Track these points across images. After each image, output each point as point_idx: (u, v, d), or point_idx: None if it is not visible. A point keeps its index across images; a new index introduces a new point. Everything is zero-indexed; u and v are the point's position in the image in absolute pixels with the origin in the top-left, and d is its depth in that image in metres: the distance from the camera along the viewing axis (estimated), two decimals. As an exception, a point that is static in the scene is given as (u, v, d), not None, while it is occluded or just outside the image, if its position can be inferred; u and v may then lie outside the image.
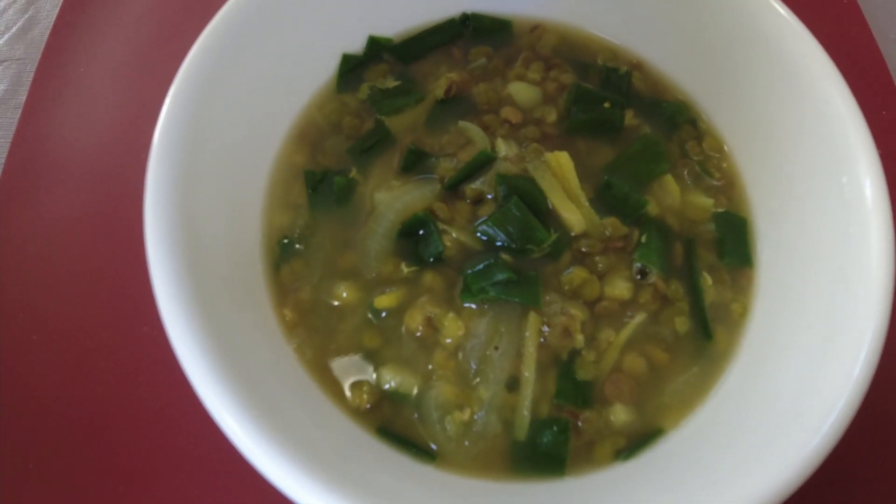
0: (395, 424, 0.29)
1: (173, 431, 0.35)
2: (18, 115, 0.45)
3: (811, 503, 0.31)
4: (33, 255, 0.40)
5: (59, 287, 0.39)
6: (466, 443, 0.29)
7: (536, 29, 0.39)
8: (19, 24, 0.50)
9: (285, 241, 0.33)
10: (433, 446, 0.29)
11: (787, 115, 0.32)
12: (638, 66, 0.39)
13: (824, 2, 0.53)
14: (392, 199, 0.33)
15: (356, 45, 0.38)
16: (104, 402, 0.36)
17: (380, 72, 0.38)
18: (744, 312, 0.33)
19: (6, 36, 0.50)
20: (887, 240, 0.27)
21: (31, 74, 0.47)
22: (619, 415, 0.30)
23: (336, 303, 0.32)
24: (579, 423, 0.30)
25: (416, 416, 0.29)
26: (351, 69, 0.37)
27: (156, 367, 0.37)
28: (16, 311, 0.38)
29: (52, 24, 0.49)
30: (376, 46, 0.38)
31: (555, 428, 0.29)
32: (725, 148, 0.36)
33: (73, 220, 0.41)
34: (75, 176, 0.43)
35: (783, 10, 0.32)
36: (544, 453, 0.29)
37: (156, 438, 0.35)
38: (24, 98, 0.46)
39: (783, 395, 0.28)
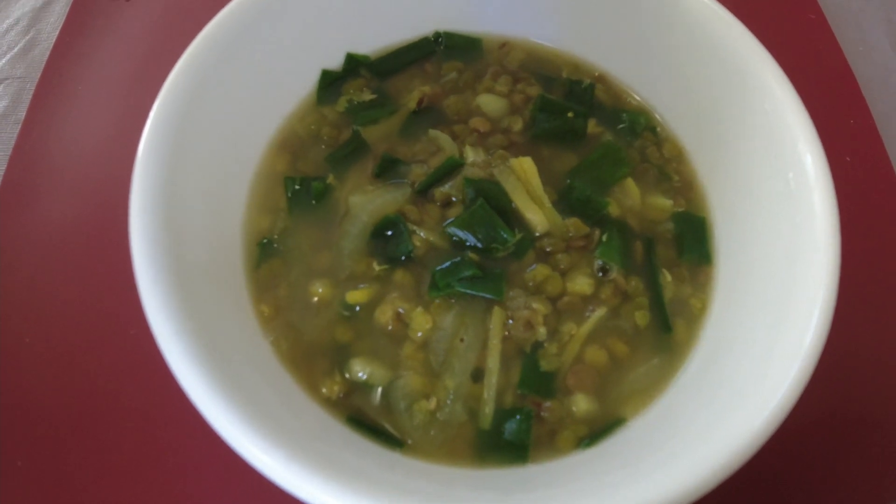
0: (365, 414, 0.32)
1: (159, 429, 0.38)
2: (17, 131, 0.50)
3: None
4: (29, 262, 0.44)
5: (52, 293, 0.43)
6: (433, 431, 0.32)
7: (504, 46, 0.44)
8: (21, 44, 0.55)
9: (264, 241, 0.36)
10: (401, 435, 0.32)
11: (737, 117, 0.36)
12: (600, 78, 0.43)
13: (794, 18, 0.58)
14: (365, 201, 0.37)
15: (335, 62, 0.42)
16: (92, 401, 0.39)
17: (357, 86, 0.42)
18: (703, 307, 0.36)
19: (8, 56, 0.55)
20: (832, 225, 0.30)
21: (31, 92, 0.51)
22: (581, 404, 0.33)
23: (311, 299, 0.35)
24: (542, 413, 0.32)
25: (384, 405, 0.32)
26: (330, 84, 0.42)
27: (142, 368, 0.40)
28: (10, 314, 0.42)
29: (52, 45, 0.54)
30: (354, 63, 0.42)
31: (518, 417, 0.32)
32: (683, 152, 0.40)
33: (66, 230, 0.45)
34: (70, 187, 0.47)
35: (729, 17, 0.36)
36: (508, 441, 0.32)
37: (142, 436, 0.37)
38: (23, 114, 0.50)
39: (737, 379, 0.30)
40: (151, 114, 0.33)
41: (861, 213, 0.46)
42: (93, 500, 0.36)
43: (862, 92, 0.54)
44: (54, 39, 0.54)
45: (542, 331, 0.33)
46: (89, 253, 0.44)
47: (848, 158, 0.53)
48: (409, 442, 0.31)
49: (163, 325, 0.28)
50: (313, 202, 0.37)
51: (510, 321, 0.34)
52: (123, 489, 0.37)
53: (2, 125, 0.51)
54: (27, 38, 0.56)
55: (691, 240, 0.37)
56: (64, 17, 0.56)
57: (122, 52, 0.54)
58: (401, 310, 0.34)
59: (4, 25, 0.57)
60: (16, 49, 0.55)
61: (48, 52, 0.53)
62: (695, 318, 0.36)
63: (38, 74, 0.52)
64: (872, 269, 0.44)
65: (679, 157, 0.40)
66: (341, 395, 0.32)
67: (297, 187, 0.38)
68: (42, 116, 0.50)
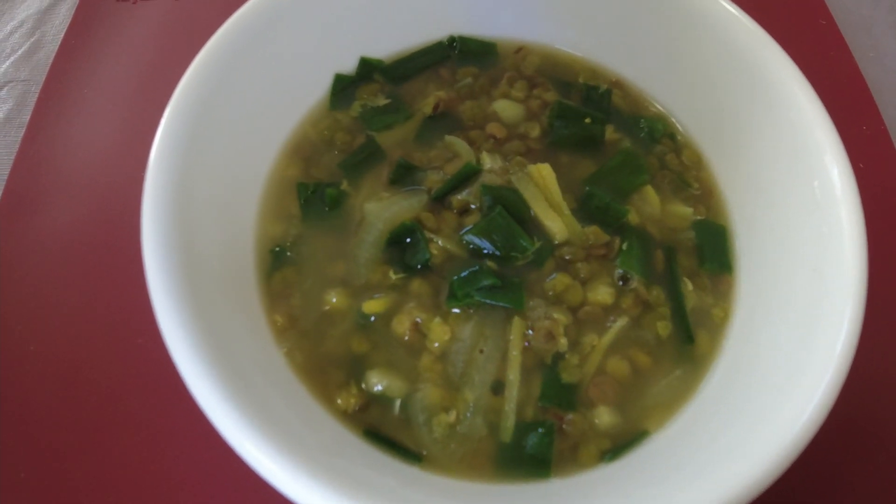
0: (382, 427, 0.31)
1: (166, 440, 0.37)
2: (22, 134, 0.49)
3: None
4: (33, 267, 0.43)
5: (57, 300, 0.42)
6: (452, 445, 0.31)
7: (520, 51, 0.43)
8: (25, 46, 0.54)
9: (277, 249, 0.36)
10: (419, 448, 0.31)
11: (760, 125, 0.35)
12: (617, 84, 0.42)
13: (804, 24, 0.58)
14: (381, 208, 0.36)
15: (348, 66, 0.42)
16: (98, 411, 0.38)
17: (371, 91, 0.41)
18: (725, 317, 0.35)
19: (13, 58, 0.54)
20: (859, 237, 0.30)
21: (36, 95, 0.50)
22: (604, 417, 0.32)
23: (326, 308, 0.34)
24: (564, 426, 0.32)
25: (402, 418, 0.31)
26: (343, 88, 0.41)
27: (150, 378, 0.39)
28: (15, 323, 0.41)
29: (58, 47, 0.53)
30: (368, 67, 0.42)
31: (540, 430, 0.31)
32: (703, 159, 0.40)
33: (72, 235, 0.44)
34: (76, 191, 0.46)
35: (753, 25, 0.35)
36: (530, 455, 0.31)
37: (149, 448, 0.36)
38: (28, 117, 0.49)
39: (764, 392, 0.29)
40: (163, 118, 0.32)
41: (877, 219, 0.46)
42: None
43: (873, 98, 0.54)
44: (59, 42, 0.53)
45: (563, 342, 0.33)
46: (95, 259, 0.43)
47: (861, 165, 0.52)
48: (428, 455, 0.30)
49: (175, 335, 0.27)
50: (327, 209, 0.37)
51: (530, 332, 0.33)
52: (128, 502, 0.36)
53: (6, 129, 0.50)
54: (32, 40, 0.55)
55: (712, 248, 0.37)
56: (69, 20, 0.55)
57: (129, 55, 0.53)
58: (418, 320, 0.33)
59: (8, 28, 0.56)
60: (20, 51, 0.54)
61: (53, 55, 0.52)
62: (717, 328, 0.35)
63: (43, 77, 0.51)
64: (887, 275, 0.43)
65: (699, 164, 0.39)
66: (357, 408, 0.31)
67: (310, 194, 0.37)
68: (47, 120, 0.49)
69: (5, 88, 0.52)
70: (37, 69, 0.53)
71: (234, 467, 0.35)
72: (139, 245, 0.43)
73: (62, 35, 0.54)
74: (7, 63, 0.54)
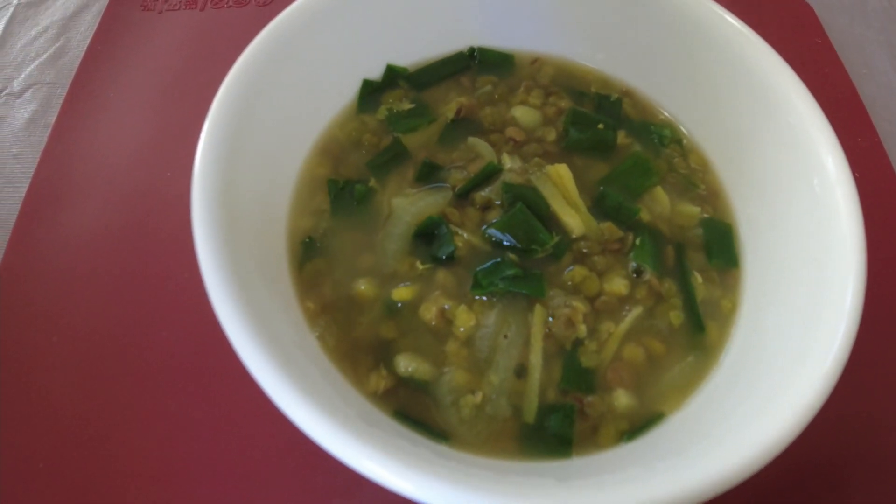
0: (411, 408, 0.34)
1: (189, 433, 0.39)
2: (47, 134, 0.52)
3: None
4: (57, 265, 0.46)
5: (79, 297, 0.45)
6: (479, 425, 0.34)
7: (536, 62, 0.48)
8: (50, 51, 0.59)
9: (308, 240, 0.39)
10: (447, 428, 0.34)
11: (761, 129, 0.40)
12: (628, 93, 0.47)
13: (801, 43, 0.64)
14: (408, 203, 0.40)
15: (375, 73, 0.46)
16: (119, 405, 0.40)
17: (396, 96, 0.46)
18: (733, 308, 0.39)
19: (37, 61, 0.58)
20: (857, 227, 0.34)
21: (62, 98, 0.55)
22: (622, 399, 0.36)
23: (355, 296, 0.38)
24: (584, 408, 0.35)
25: (430, 400, 0.35)
26: (370, 93, 0.46)
27: (172, 372, 0.42)
28: (37, 318, 0.44)
29: (83, 52, 0.57)
30: (393, 74, 0.47)
31: (561, 412, 0.35)
32: (709, 163, 0.45)
33: (95, 233, 0.48)
34: (99, 190, 0.50)
35: (752, 35, 0.40)
36: (552, 435, 0.34)
37: (170, 441, 0.39)
38: (53, 119, 0.53)
39: (772, 374, 0.33)
40: (206, 123, 0.36)
41: (873, 227, 0.50)
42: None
43: (867, 111, 0.59)
44: (84, 48, 0.58)
45: (582, 328, 0.37)
46: (116, 257, 0.47)
47: (857, 174, 0.58)
48: (455, 434, 0.34)
49: (230, 318, 0.29)
50: (356, 204, 0.41)
51: (550, 319, 0.37)
52: (147, 496, 0.38)
53: (31, 129, 0.54)
54: (57, 45, 0.59)
55: (719, 245, 0.41)
56: (95, 27, 0.59)
57: (154, 62, 0.57)
58: (445, 307, 0.37)
59: (33, 32, 0.60)
60: (45, 56, 0.59)
61: (78, 60, 0.57)
62: (726, 318, 0.39)
63: (69, 81, 0.55)
64: (885, 280, 0.47)
65: (705, 167, 0.44)
66: (387, 390, 0.35)
67: (339, 190, 0.41)
68: (72, 121, 0.53)
69: (30, 90, 0.57)
70: (62, 73, 0.57)
71: (259, 461, 0.37)
72: (160, 244, 0.47)
73: (87, 41, 0.58)
74: (32, 66, 0.58)
